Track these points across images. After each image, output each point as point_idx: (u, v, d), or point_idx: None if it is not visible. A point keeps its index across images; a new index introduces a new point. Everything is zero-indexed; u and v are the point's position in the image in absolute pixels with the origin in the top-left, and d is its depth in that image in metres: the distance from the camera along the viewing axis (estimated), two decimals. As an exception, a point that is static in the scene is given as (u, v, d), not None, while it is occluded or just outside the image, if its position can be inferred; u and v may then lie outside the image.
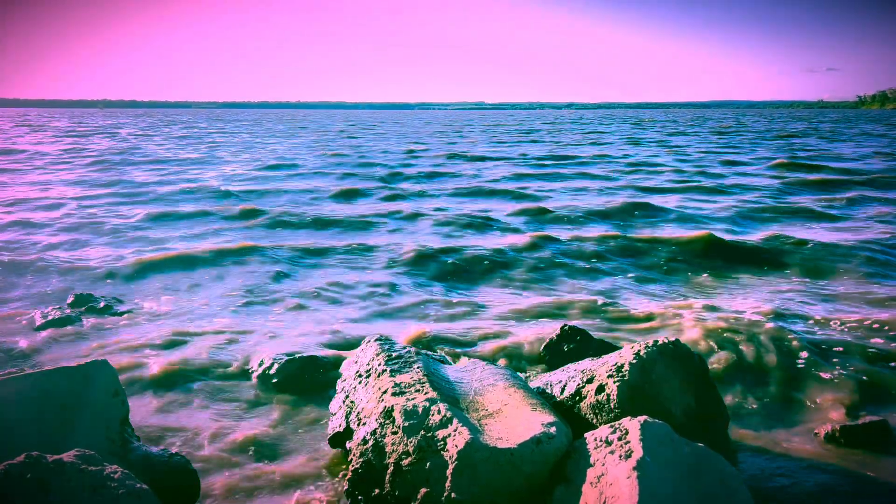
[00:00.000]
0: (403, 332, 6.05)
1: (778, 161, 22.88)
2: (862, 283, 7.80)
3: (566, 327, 5.60)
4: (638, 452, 2.76)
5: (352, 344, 5.73)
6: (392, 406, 3.35)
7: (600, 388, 3.60)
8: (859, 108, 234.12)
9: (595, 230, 11.16)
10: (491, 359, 5.38)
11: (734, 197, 15.24)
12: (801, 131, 49.69)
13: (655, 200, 14.24)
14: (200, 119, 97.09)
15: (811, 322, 6.23)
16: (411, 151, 30.18)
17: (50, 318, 6.28)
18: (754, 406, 4.65)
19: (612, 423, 3.04)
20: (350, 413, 3.77)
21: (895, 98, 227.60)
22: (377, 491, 3.18)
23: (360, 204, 14.58)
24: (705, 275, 8.31)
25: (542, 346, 5.54)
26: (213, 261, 9.07)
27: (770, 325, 5.92)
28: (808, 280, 8.05)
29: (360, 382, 3.86)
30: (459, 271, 8.52)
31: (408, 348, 4.06)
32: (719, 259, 9.04)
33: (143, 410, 4.56)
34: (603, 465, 2.83)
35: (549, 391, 3.88)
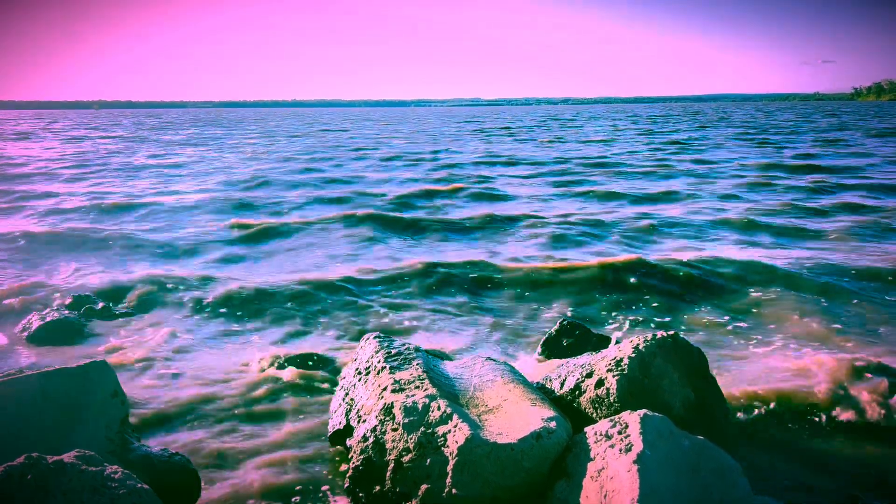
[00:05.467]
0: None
1: None
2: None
3: (565, 322, 5.60)
4: (638, 446, 2.77)
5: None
6: (392, 403, 3.35)
7: (600, 383, 3.60)
8: (855, 99, 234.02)
9: None
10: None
11: None
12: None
13: None
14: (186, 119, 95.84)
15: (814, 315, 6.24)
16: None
17: (48, 319, 6.27)
18: (754, 399, 4.65)
19: (612, 417, 3.04)
20: (350, 410, 3.76)
21: (890, 90, 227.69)
22: (378, 488, 3.18)
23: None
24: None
25: (542, 342, 5.54)
26: (209, 260, 9.07)
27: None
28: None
29: (359, 380, 3.86)
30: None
31: (406, 345, 4.05)
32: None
33: (142, 410, 4.55)
34: (603, 458, 2.83)
35: (548, 386, 3.88)
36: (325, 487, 3.61)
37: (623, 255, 8.62)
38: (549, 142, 33.91)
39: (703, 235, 10.37)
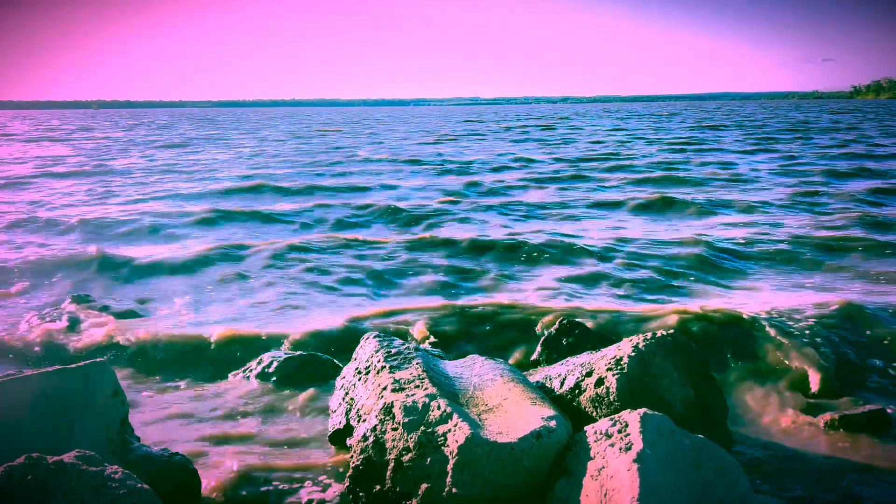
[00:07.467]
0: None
1: None
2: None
3: (565, 321, 5.60)
4: (638, 445, 2.77)
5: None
6: (392, 402, 3.35)
7: (599, 382, 3.60)
8: (854, 98, 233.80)
9: None
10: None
11: None
12: None
13: None
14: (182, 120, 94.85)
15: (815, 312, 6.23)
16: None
17: (48, 319, 6.27)
18: (754, 396, 4.66)
19: (612, 416, 3.04)
20: (350, 410, 3.77)
21: (889, 88, 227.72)
22: (378, 487, 3.18)
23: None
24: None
25: (541, 340, 5.54)
26: (208, 261, 9.06)
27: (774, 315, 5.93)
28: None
29: (359, 379, 3.86)
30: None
31: (406, 344, 4.05)
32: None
33: (143, 410, 4.55)
34: (603, 457, 2.83)
35: (548, 385, 3.88)
36: (324, 487, 3.61)
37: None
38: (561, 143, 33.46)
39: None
